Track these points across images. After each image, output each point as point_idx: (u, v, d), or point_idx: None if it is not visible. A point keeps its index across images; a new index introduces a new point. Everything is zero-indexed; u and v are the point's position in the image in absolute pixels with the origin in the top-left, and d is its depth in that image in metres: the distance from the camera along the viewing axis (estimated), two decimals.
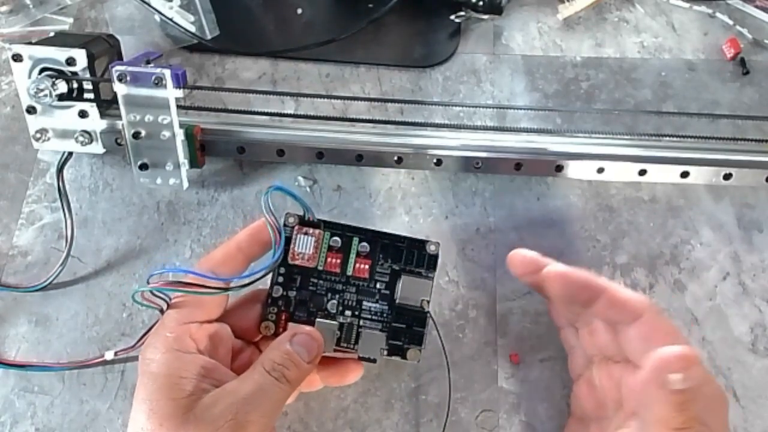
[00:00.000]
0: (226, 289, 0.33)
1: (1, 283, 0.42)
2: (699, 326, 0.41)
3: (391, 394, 0.39)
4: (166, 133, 0.41)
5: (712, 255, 0.43)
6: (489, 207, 0.45)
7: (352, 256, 0.36)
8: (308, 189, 0.45)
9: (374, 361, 0.35)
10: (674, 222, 0.44)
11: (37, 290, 0.42)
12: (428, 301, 0.35)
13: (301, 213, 0.35)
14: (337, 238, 0.36)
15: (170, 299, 0.33)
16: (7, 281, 0.43)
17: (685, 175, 0.43)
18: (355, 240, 0.36)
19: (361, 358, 0.35)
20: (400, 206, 0.45)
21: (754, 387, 0.39)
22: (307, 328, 0.34)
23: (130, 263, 0.43)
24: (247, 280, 0.33)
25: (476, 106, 0.48)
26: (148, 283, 0.32)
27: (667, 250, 0.43)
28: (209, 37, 0.50)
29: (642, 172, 0.43)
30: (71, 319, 0.41)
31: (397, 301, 0.35)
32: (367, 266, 0.36)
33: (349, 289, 0.36)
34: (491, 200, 0.45)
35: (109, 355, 0.39)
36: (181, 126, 0.41)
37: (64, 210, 0.43)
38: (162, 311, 0.33)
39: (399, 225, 0.44)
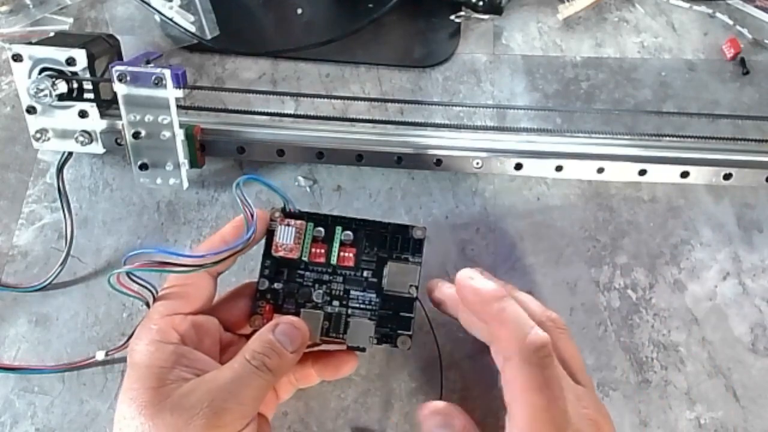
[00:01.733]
0: (200, 266, 0.33)
1: (1, 283, 0.42)
2: (699, 326, 0.41)
3: (391, 394, 0.39)
4: (166, 133, 0.41)
5: (712, 255, 0.43)
6: (489, 207, 0.45)
7: (336, 245, 0.35)
8: (308, 189, 0.45)
9: (363, 349, 0.35)
10: (674, 222, 0.44)
11: (37, 290, 0.42)
12: (416, 287, 0.35)
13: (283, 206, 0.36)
14: (320, 228, 0.36)
15: (156, 292, 0.34)
16: (7, 281, 0.43)
17: (685, 175, 0.43)
18: (339, 229, 0.36)
19: (350, 348, 0.35)
20: (400, 206, 0.45)
21: (754, 387, 0.39)
22: (291, 317, 0.34)
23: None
24: (220, 257, 0.33)
25: (476, 106, 0.48)
26: (124, 265, 0.32)
27: (667, 250, 0.43)
28: (209, 37, 0.50)
29: (642, 172, 0.43)
30: (71, 319, 0.41)
31: (384, 289, 0.35)
32: (351, 254, 0.35)
33: (336, 279, 0.35)
34: (491, 200, 0.45)
35: (100, 356, 0.39)
36: (181, 126, 0.41)
37: (64, 210, 0.43)
38: (148, 305, 0.33)
39: None
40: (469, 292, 0.33)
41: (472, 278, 0.33)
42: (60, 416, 0.39)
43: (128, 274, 0.32)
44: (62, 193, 0.43)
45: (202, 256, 0.33)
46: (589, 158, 0.43)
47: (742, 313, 0.41)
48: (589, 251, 0.43)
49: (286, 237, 0.35)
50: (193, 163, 0.43)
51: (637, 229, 0.44)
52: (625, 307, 0.42)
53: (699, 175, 0.43)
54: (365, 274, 0.36)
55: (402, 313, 0.35)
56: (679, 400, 0.39)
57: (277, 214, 0.36)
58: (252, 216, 0.34)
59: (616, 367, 0.40)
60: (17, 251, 0.44)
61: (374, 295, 0.35)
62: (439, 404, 0.34)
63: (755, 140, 0.44)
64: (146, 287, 0.33)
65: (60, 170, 0.43)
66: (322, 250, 0.35)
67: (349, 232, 0.36)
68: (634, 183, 0.45)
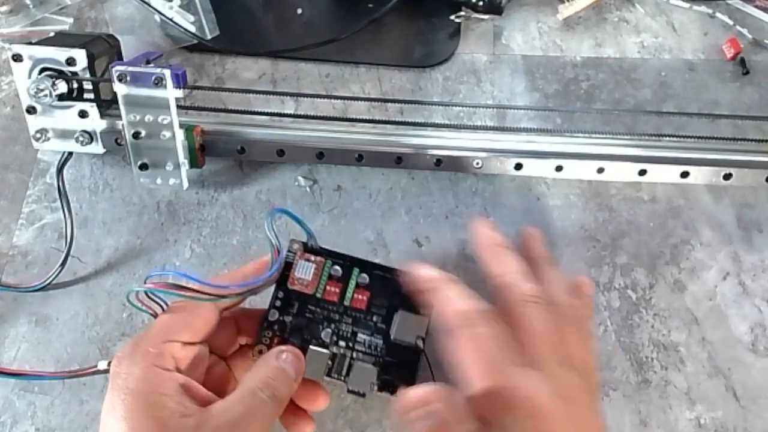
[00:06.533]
0: (222, 296, 0.32)
1: (1, 283, 0.42)
2: (699, 326, 0.41)
3: None
4: (166, 133, 0.41)
5: (712, 255, 0.43)
6: (489, 207, 0.45)
7: (351, 286, 0.36)
8: (308, 189, 0.45)
9: (363, 395, 0.34)
10: (674, 222, 0.44)
11: (37, 290, 0.42)
12: (423, 339, 0.35)
13: (306, 239, 0.36)
14: (338, 267, 0.36)
15: (167, 307, 0.33)
16: (7, 281, 0.43)
17: (685, 175, 0.43)
18: (356, 271, 0.36)
19: (350, 392, 0.34)
20: (400, 206, 0.45)
21: (754, 387, 0.39)
22: (288, 346, 0.33)
23: (130, 263, 0.43)
24: (242, 290, 0.33)
25: (476, 106, 0.48)
26: (145, 283, 0.32)
27: (667, 250, 0.43)
28: (209, 37, 0.50)
29: (642, 172, 0.43)
30: (71, 319, 0.41)
31: (392, 337, 0.35)
32: (365, 297, 0.35)
33: (345, 320, 0.35)
34: (491, 200, 0.45)
35: (102, 365, 0.39)
36: (181, 126, 0.41)
37: (64, 210, 0.42)
38: (155, 316, 0.33)
39: (399, 225, 0.44)
40: (419, 278, 0.35)
41: (419, 267, 0.35)
42: (60, 416, 0.39)
43: (147, 293, 0.32)
44: (62, 193, 0.43)
45: (225, 287, 0.32)
46: (589, 158, 0.43)
47: (742, 313, 0.41)
48: (589, 251, 0.43)
49: (304, 272, 0.35)
50: (193, 163, 0.43)
51: (637, 229, 0.44)
52: (625, 307, 0.42)
53: (699, 175, 0.43)
54: (375, 318, 0.35)
55: (406, 364, 0.35)
56: (679, 400, 0.39)
57: (295, 246, 0.36)
58: (278, 252, 0.34)
59: (616, 367, 0.40)
60: (17, 251, 0.44)
61: (381, 341, 0.35)
62: (413, 394, 0.31)
63: (755, 140, 0.44)
64: (161, 305, 0.33)
65: (60, 170, 0.43)
66: (336, 289, 0.36)
67: (365, 275, 0.36)
68: (634, 183, 0.45)
